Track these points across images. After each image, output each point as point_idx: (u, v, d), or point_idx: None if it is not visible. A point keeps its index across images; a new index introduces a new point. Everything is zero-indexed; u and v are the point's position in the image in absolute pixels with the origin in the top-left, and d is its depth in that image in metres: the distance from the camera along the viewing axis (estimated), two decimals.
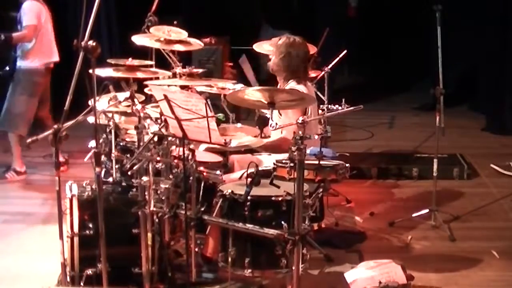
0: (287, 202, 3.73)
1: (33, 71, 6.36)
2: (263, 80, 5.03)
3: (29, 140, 3.60)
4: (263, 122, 4.96)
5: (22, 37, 6.25)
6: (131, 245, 3.92)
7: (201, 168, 4.03)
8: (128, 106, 4.13)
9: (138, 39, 4.98)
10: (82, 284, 3.93)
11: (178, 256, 4.37)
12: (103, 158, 4.09)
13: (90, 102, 3.51)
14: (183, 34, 5.08)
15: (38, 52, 6.36)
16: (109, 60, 4.67)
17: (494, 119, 8.64)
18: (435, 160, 5.34)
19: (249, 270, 3.78)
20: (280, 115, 4.56)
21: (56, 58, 6.55)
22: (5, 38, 6.13)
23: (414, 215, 5.36)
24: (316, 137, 4.96)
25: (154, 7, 5.26)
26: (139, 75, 4.53)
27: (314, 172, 3.94)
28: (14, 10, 6.52)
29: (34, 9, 6.28)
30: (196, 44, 5.22)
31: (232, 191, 3.84)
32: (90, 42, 3.36)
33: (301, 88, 4.63)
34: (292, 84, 4.68)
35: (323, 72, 5.87)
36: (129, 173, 3.95)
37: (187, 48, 5.18)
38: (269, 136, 4.83)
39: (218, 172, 4.12)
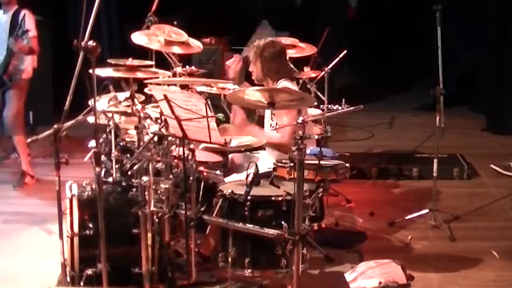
0: (287, 202, 3.73)
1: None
2: None
3: (29, 140, 3.60)
4: (263, 122, 4.96)
5: (32, 51, 6.19)
6: (131, 245, 3.92)
7: (201, 168, 4.03)
8: (128, 106, 4.14)
9: (138, 38, 4.96)
10: (82, 284, 3.93)
11: (178, 256, 4.37)
12: (103, 158, 4.09)
13: (90, 102, 3.51)
14: (183, 36, 5.07)
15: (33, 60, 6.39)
16: (109, 60, 4.67)
17: (494, 119, 8.63)
18: (435, 160, 5.34)
19: (249, 270, 3.79)
20: (274, 114, 4.53)
21: None
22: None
23: (414, 215, 5.36)
24: (316, 137, 4.97)
25: (154, 7, 5.26)
26: (139, 75, 4.52)
27: (314, 172, 3.94)
28: None
29: (33, 19, 6.24)
30: (196, 46, 5.19)
31: (232, 191, 3.84)
32: (90, 42, 3.36)
33: (294, 87, 4.61)
34: (284, 83, 4.65)
35: (323, 72, 5.87)
36: (129, 173, 3.95)
37: (186, 51, 5.14)
38: None
39: (218, 172, 4.12)
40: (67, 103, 3.44)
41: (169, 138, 3.87)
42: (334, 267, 4.54)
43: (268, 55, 4.64)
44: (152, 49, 5.11)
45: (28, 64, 6.28)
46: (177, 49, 5.03)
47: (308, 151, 3.60)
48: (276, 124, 4.53)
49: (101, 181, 3.52)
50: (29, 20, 6.09)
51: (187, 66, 5.07)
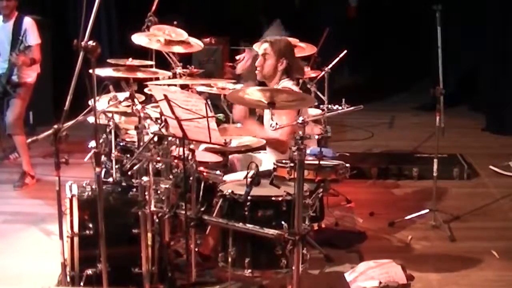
0: (287, 202, 3.73)
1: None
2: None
3: (29, 140, 3.61)
4: (263, 122, 4.96)
5: (34, 61, 6.19)
6: (131, 245, 3.92)
7: (201, 168, 4.03)
8: (128, 106, 4.14)
9: (138, 39, 4.97)
10: (82, 284, 3.92)
11: (178, 256, 4.37)
12: (103, 158, 4.08)
13: (90, 102, 3.51)
14: (183, 36, 5.07)
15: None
16: (109, 60, 4.68)
17: (494, 119, 8.64)
18: (435, 160, 5.33)
19: (249, 270, 3.78)
20: (273, 114, 4.53)
21: None
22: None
23: (414, 215, 5.36)
24: (316, 137, 4.97)
25: (154, 7, 5.26)
26: (139, 75, 4.53)
27: (314, 172, 3.94)
28: None
29: (35, 26, 6.22)
30: (197, 45, 5.20)
31: (232, 191, 3.84)
32: (90, 42, 3.37)
33: (295, 88, 4.61)
34: (286, 83, 4.64)
35: (323, 72, 5.87)
36: (129, 173, 3.95)
37: (187, 50, 5.15)
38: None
39: (218, 172, 4.12)
40: (67, 103, 3.44)
41: (169, 138, 3.87)
42: (334, 267, 4.54)
43: (289, 52, 4.65)
44: (152, 49, 5.11)
45: (32, 71, 6.29)
46: (178, 49, 5.03)
47: (308, 151, 3.60)
48: (276, 124, 4.54)
49: (101, 181, 3.52)
50: (31, 33, 6.08)
51: (188, 66, 5.07)
